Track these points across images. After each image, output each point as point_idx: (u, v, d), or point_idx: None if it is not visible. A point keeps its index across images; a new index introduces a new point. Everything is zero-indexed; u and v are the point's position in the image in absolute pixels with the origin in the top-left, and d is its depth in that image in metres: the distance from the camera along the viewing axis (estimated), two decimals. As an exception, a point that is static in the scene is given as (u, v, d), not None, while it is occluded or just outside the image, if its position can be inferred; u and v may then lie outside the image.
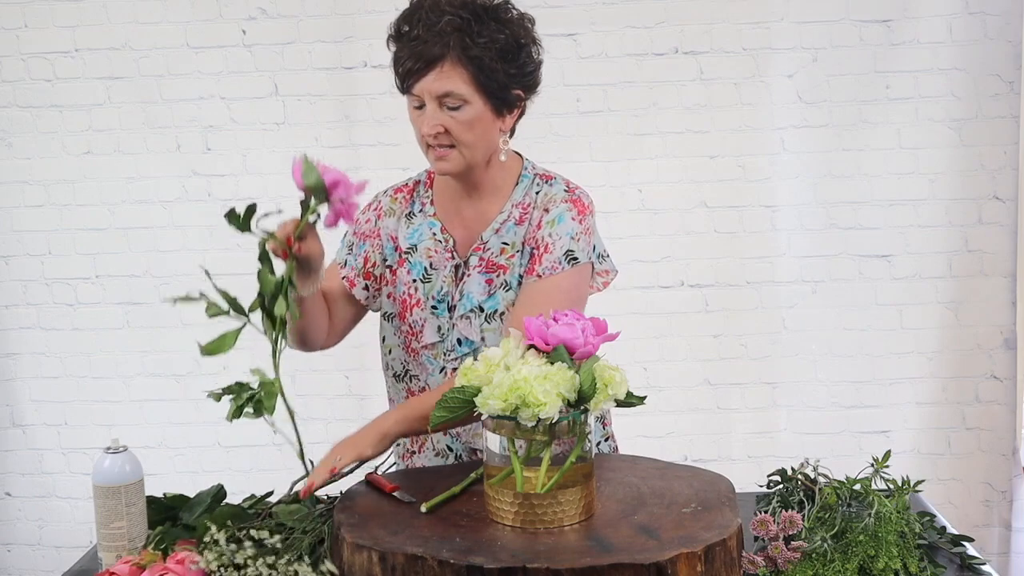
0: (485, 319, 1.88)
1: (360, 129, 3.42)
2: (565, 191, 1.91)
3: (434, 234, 1.95)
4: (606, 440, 2.09)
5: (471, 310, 1.89)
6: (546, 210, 1.89)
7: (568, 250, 1.85)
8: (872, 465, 1.77)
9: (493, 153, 1.88)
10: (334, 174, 1.64)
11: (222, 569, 1.58)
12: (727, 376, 3.49)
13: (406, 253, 1.96)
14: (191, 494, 1.90)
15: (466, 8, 1.77)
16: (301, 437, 1.78)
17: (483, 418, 1.57)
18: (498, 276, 1.90)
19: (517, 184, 1.93)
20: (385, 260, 1.97)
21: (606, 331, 1.63)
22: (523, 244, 1.89)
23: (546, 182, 1.93)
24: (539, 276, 1.85)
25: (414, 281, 1.94)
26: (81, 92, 3.43)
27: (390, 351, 2.02)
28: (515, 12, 1.84)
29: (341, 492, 1.78)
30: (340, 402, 3.53)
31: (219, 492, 1.90)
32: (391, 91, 3.38)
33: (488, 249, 1.91)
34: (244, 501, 1.86)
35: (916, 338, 3.45)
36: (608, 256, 1.98)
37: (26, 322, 3.55)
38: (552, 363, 1.55)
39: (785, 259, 3.44)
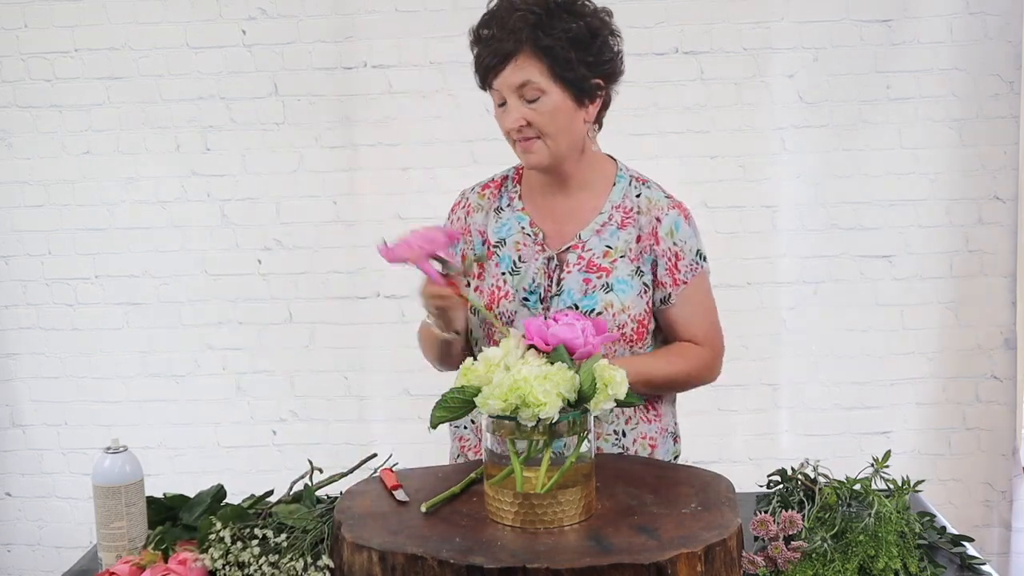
0: (594, 314, 1.90)
1: (360, 129, 3.42)
2: (666, 197, 1.98)
3: (523, 228, 1.98)
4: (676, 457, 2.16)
5: (569, 307, 1.91)
6: (658, 219, 1.95)
7: (698, 250, 1.98)
8: (872, 465, 1.77)
9: (584, 146, 1.94)
10: (407, 246, 1.75)
11: (226, 568, 1.58)
12: (727, 377, 3.45)
13: (495, 246, 1.99)
14: (191, 494, 1.90)
15: (539, 4, 1.83)
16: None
17: (483, 418, 1.57)
18: (599, 277, 1.93)
19: (615, 185, 1.98)
20: (475, 254, 2.01)
21: (606, 331, 1.63)
22: (639, 254, 1.95)
23: (643, 184, 1.99)
24: (686, 283, 1.96)
25: (503, 274, 1.97)
26: (81, 92, 3.43)
27: (476, 343, 2.02)
28: (591, 5, 1.89)
29: (341, 492, 1.78)
30: (340, 403, 3.53)
31: (219, 492, 1.90)
32: (391, 91, 3.42)
33: (588, 249, 1.94)
34: (244, 501, 1.86)
35: (917, 338, 3.44)
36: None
37: (26, 322, 3.55)
38: (552, 363, 1.55)
39: (786, 259, 3.44)
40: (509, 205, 2.02)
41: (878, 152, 3.38)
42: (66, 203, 3.49)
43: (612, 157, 2.04)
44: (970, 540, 1.76)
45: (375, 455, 2.04)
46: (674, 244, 1.95)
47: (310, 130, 3.43)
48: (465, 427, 2.08)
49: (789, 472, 1.87)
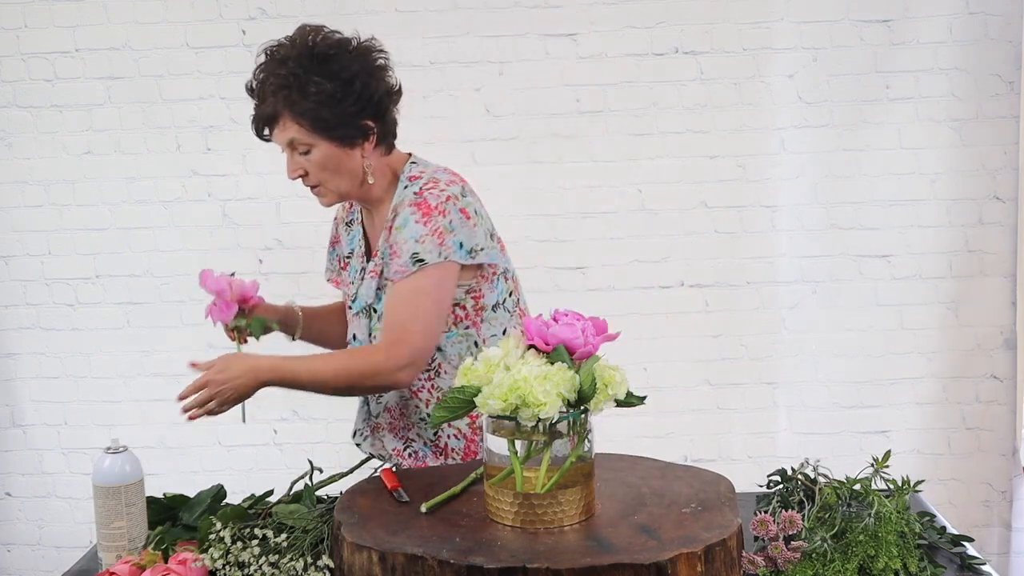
0: (378, 319, 1.98)
1: (360, 129, 3.42)
2: (415, 193, 1.94)
3: (360, 242, 2.10)
4: None
5: (362, 309, 2.02)
6: (396, 212, 1.95)
7: (413, 253, 1.89)
8: (872, 465, 1.77)
9: (363, 179, 1.98)
10: (229, 286, 2.04)
11: (226, 568, 1.58)
12: (727, 376, 3.48)
13: (347, 257, 2.11)
14: (191, 494, 1.91)
15: (294, 62, 1.90)
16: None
17: (483, 418, 1.57)
18: (383, 280, 2.01)
19: (396, 190, 2.00)
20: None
21: (606, 331, 1.63)
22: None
23: (411, 182, 1.97)
24: (392, 281, 1.93)
25: (351, 283, 2.08)
26: (81, 92, 3.43)
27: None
28: (350, 49, 1.96)
29: (341, 492, 1.78)
30: (341, 402, 3.51)
31: (219, 492, 1.90)
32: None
33: (380, 256, 2.00)
34: (244, 501, 1.86)
35: (916, 338, 3.44)
36: (483, 250, 1.96)
37: (26, 322, 3.55)
38: (552, 363, 1.55)
39: (785, 259, 3.44)
40: (356, 220, 2.13)
41: (878, 152, 3.38)
42: (66, 203, 3.49)
43: (411, 157, 2.03)
44: (970, 540, 1.76)
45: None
46: (396, 240, 1.92)
47: (310, 130, 3.43)
48: None
49: (789, 472, 1.87)
